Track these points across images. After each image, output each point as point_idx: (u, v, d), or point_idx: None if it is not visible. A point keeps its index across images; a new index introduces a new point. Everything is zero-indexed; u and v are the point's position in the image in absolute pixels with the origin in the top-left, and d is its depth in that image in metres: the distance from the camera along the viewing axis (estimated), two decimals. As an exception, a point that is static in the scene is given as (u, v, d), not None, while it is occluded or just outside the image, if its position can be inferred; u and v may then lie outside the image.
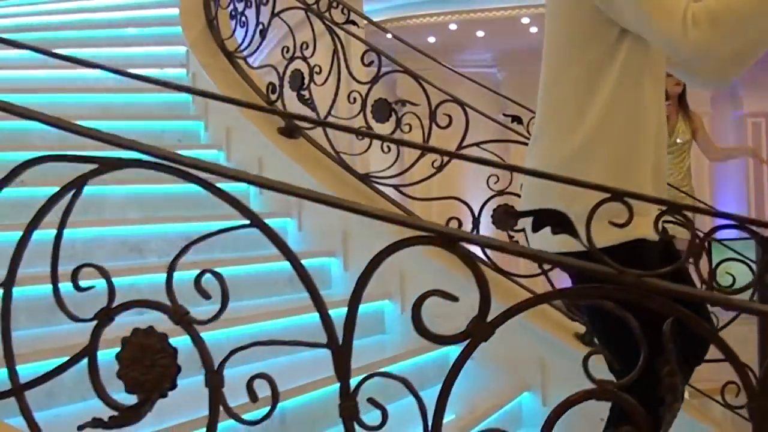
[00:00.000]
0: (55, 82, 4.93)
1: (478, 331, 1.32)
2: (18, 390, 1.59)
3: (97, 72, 4.93)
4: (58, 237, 1.54)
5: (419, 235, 1.35)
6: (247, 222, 1.45)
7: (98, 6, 6.26)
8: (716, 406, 3.61)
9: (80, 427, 1.51)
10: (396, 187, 4.10)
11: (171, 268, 1.49)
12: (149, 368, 1.48)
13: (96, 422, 1.50)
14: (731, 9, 1.90)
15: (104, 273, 1.52)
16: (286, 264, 1.41)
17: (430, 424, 1.32)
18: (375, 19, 7.70)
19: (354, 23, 4.19)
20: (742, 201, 10.52)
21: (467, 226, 3.83)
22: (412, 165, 3.97)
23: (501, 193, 3.85)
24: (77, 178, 1.53)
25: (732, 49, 1.95)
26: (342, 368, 1.38)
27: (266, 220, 4.35)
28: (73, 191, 1.54)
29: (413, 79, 3.95)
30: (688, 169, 5.72)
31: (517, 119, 4.06)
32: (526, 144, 4.01)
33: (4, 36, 5.67)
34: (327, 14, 4.23)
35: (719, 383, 3.42)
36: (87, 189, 1.55)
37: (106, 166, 1.51)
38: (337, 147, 4.25)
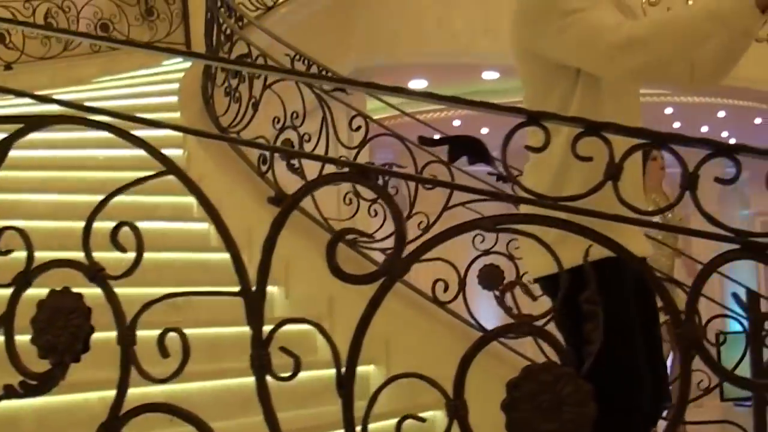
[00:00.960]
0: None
1: (394, 268, 1.27)
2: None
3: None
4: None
5: (336, 172, 1.31)
6: (164, 169, 1.42)
7: (102, 96, 6.40)
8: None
9: (-8, 398, 1.45)
10: (383, 250, 4.05)
11: (88, 224, 1.45)
12: (62, 329, 1.42)
13: (8, 390, 1.43)
14: (661, 37, 1.94)
15: (25, 236, 1.48)
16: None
17: (344, 364, 1.25)
18: (378, 116, 7.81)
19: (343, 90, 4.23)
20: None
21: (454, 287, 3.76)
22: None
23: (487, 252, 3.79)
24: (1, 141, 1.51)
25: (669, 63, 2.00)
26: (255, 316, 1.32)
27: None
28: (-3, 155, 1.51)
29: (399, 141, 3.96)
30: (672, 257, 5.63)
31: (502, 178, 4.03)
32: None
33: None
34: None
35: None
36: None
37: (32, 124, 1.49)
38: (325, 213, 4.23)
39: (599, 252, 2.02)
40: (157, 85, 6.75)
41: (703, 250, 9.39)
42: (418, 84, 8.00)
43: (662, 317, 4.95)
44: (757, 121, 9.27)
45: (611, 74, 2.03)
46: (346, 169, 1.32)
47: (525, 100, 2.32)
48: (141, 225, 4.64)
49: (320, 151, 4.24)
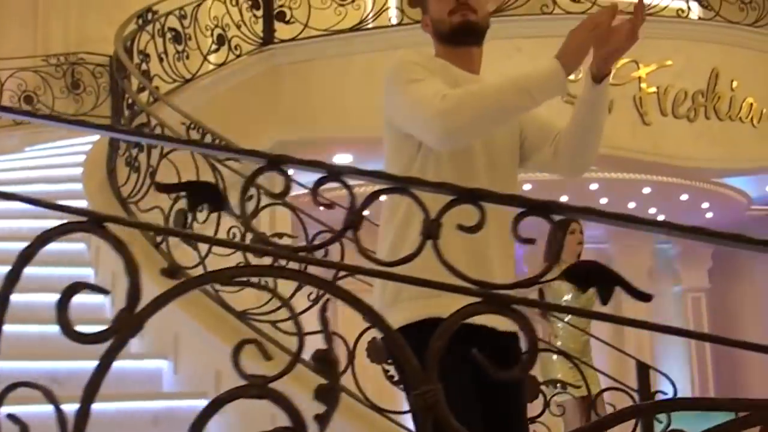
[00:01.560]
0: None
1: (126, 325, 1.17)
2: None
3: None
4: None
5: (71, 221, 1.23)
6: None
7: (9, 167, 6.30)
8: None
9: None
10: (273, 323, 3.95)
11: None
12: None
13: None
14: (467, 106, 2.01)
15: None
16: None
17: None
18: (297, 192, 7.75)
19: (236, 160, 4.17)
20: (686, 380, 10.32)
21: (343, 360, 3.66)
22: (289, 298, 3.84)
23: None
24: None
25: (474, 128, 2.08)
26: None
27: (142, 361, 4.11)
28: None
29: (291, 211, 3.89)
30: (587, 342, 5.50)
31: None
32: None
33: None
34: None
35: None
36: None
37: None
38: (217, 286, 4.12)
39: (415, 314, 2.02)
40: (71, 156, 6.66)
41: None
42: (342, 158, 7.96)
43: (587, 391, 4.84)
44: (684, 197, 9.34)
45: (428, 140, 2.08)
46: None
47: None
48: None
49: (212, 221, 4.16)
